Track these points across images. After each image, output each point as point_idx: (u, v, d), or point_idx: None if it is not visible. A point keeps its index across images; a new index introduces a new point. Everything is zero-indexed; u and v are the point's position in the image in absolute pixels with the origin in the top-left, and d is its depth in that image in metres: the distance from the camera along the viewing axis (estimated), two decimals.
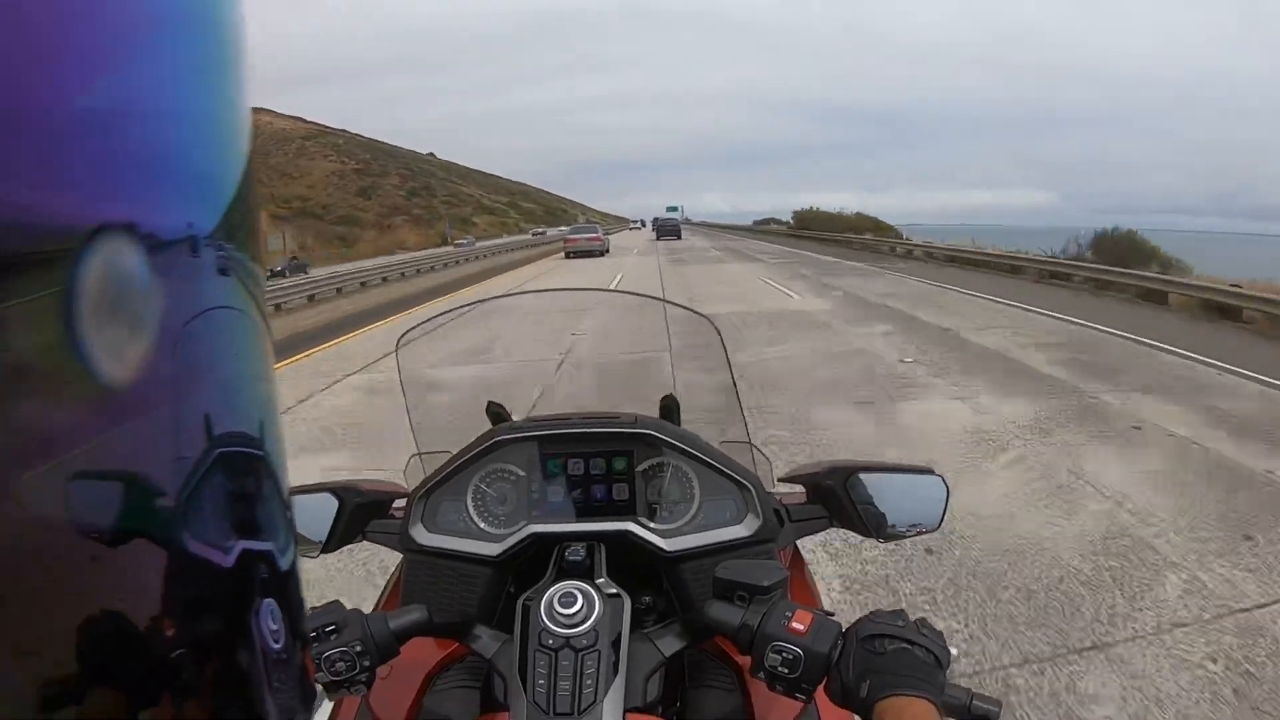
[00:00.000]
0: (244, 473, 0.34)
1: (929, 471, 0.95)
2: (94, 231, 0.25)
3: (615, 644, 0.74)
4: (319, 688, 0.73)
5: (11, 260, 0.22)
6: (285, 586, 0.38)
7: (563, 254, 27.25)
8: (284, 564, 0.38)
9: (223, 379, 0.33)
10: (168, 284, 0.29)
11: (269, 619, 0.35)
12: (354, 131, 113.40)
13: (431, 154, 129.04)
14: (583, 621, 0.74)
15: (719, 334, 1.14)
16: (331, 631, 0.73)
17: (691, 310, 1.22)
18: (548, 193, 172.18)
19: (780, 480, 1.06)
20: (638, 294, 1.44)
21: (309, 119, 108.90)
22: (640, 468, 0.93)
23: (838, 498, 0.93)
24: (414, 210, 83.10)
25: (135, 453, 0.28)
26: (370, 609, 0.83)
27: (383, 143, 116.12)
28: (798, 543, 1.07)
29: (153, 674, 0.29)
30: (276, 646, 0.35)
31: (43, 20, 0.24)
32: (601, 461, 0.93)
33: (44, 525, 0.24)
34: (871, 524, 0.92)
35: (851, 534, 0.94)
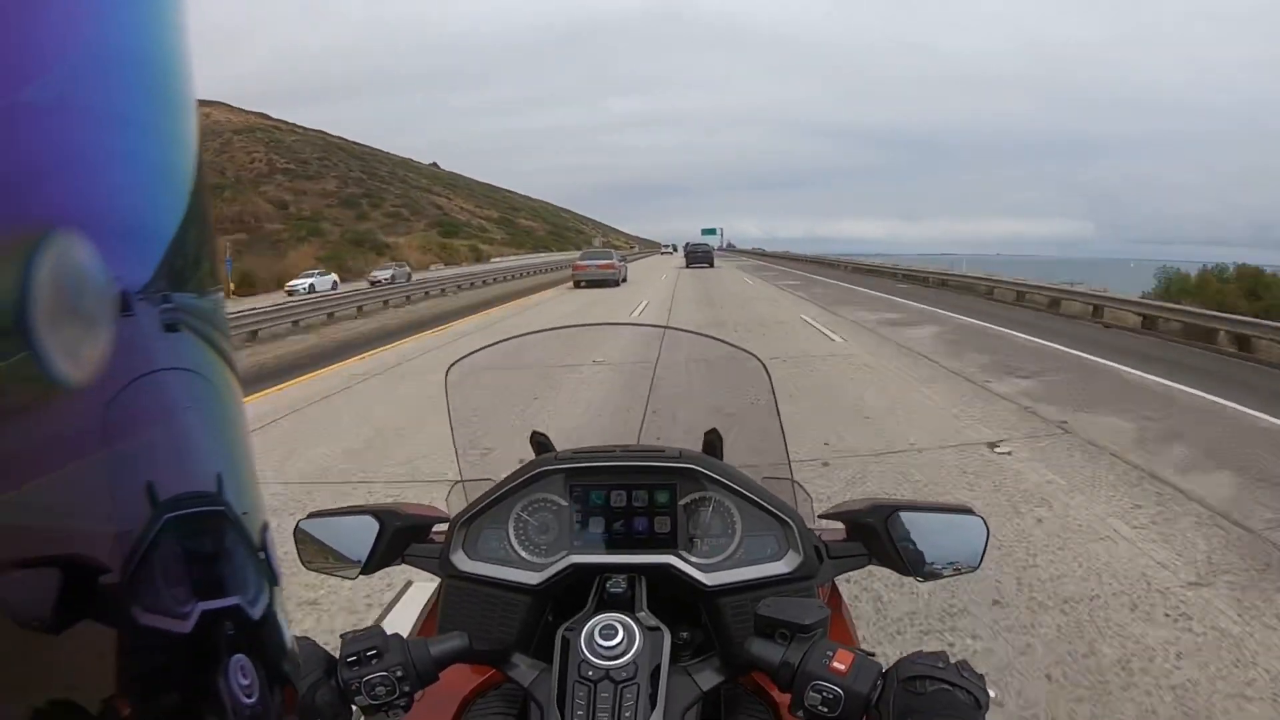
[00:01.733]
0: (199, 533, 0.34)
1: (969, 511, 0.96)
2: (37, 300, 0.24)
3: (653, 677, 0.76)
4: (356, 710, 0.75)
5: None
6: (259, 636, 0.37)
7: (570, 284, 24.04)
8: (256, 613, 0.37)
9: (168, 440, 0.32)
10: (95, 349, 0.27)
11: (238, 676, 0.34)
12: (335, 135, 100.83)
13: (434, 164, 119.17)
14: (623, 654, 0.76)
15: (766, 370, 1.16)
16: (373, 656, 0.75)
17: (737, 347, 1.23)
18: (567, 211, 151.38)
19: (820, 517, 1.08)
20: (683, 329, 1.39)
21: (274, 116, 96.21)
22: (683, 501, 0.95)
23: (877, 535, 0.95)
24: (269, 226, 60.95)
25: (71, 535, 0.27)
26: (407, 632, 0.85)
27: (358, 145, 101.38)
28: (836, 580, 1.10)
29: None
30: (249, 701, 0.35)
31: None
32: (644, 494, 0.95)
33: None
34: (910, 563, 0.93)
35: None
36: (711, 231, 71.85)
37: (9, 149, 0.24)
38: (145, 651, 0.30)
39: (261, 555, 0.38)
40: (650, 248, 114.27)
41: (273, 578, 0.40)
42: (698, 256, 40.88)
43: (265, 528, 0.39)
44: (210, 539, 0.34)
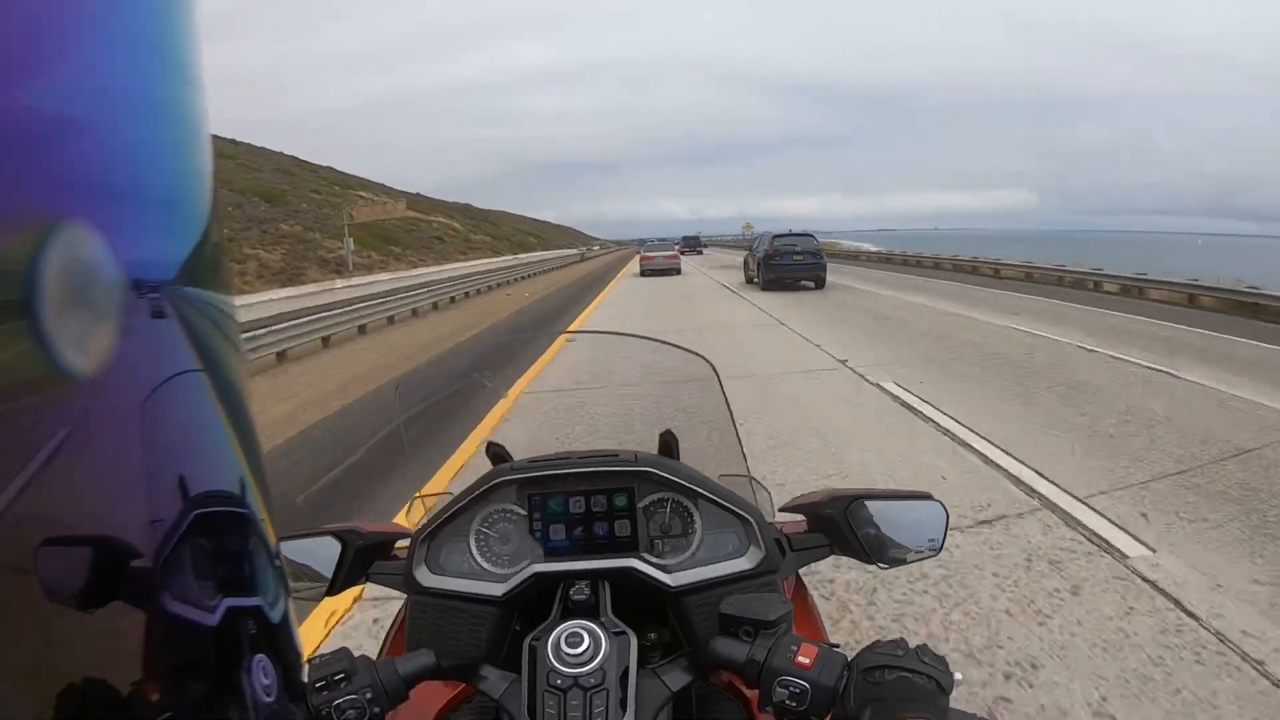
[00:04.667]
0: (226, 531, 0.35)
1: (928, 497, 1.02)
2: (45, 291, 0.25)
3: (623, 681, 0.79)
4: None
5: None
6: (277, 639, 0.39)
7: None
8: (275, 616, 0.39)
9: (198, 439, 0.34)
10: (128, 346, 0.29)
11: (260, 674, 0.36)
12: None
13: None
14: (590, 660, 0.79)
15: (715, 371, 1.21)
16: (340, 679, 0.77)
17: (685, 349, 1.27)
18: (435, 201, 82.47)
19: (781, 510, 1.12)
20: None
21: None
22: (641, 504, 0.98)
23: (838, 525, 0.99)
24: None
25: (108, 518, 0.28)
26: (376, 651, 0.87)
27: None
28: (799, 572, 1.14)
29: None
30: (269, 700, 0.37)
31: None
32: (603, 499, 0.98)
33: (14, 592, 0.25)
34: (872, 550, 0.98)
35: None
36: (694, 237, 63.61)
37: (20, 141, 0.25)
38: (173, 639, 0.31)
39: (277, 563, 0.40)
40: (577, 241, 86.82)
41: (287, 587, 0.42)
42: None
43: (278, 540, 0.40)
44: (236, 538, 0.36)
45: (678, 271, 27.48)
